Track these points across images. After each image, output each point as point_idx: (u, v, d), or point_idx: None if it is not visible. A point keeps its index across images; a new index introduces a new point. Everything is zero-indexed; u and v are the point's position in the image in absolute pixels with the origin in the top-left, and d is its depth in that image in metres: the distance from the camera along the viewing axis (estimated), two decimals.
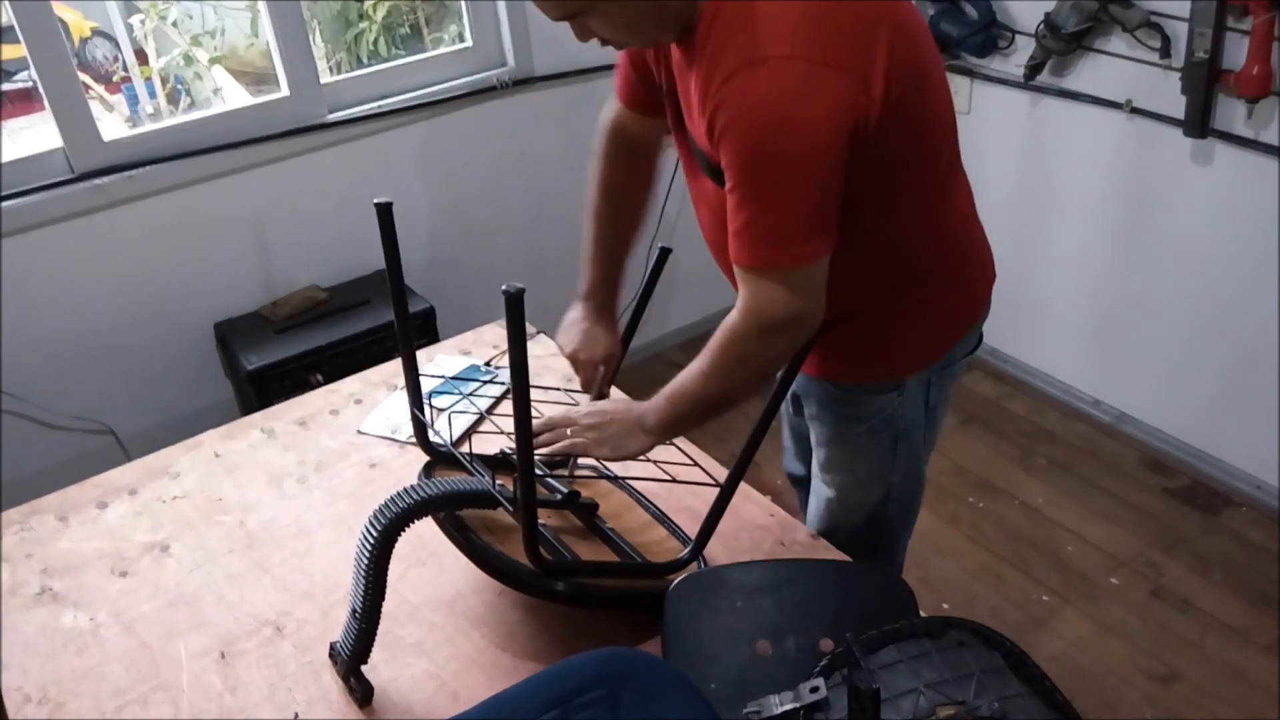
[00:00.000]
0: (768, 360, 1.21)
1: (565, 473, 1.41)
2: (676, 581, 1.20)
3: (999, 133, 2.61)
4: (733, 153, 1.09)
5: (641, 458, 1.35)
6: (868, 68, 1.07)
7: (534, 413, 1.07)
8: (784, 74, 1.04)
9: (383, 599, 1.15)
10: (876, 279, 1.29)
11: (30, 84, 2.19)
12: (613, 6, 1.12)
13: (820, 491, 1.54)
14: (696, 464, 1.40)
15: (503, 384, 1.70)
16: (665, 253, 1.52)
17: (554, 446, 1.26)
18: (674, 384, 1.25)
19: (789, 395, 1.59)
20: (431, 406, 1.42)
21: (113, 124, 2.64)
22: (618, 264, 1.48)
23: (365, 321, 2.34)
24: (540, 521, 1.21)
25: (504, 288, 0.95)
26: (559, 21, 1.15)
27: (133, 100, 2.82)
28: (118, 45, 2.95)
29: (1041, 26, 2.35)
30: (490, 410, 1.62)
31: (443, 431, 1.38)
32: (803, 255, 1.13)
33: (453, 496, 1.18)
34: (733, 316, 1.19)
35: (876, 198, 1.20)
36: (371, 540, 1.13)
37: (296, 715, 1.18)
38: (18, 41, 2.03)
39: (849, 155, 1.10)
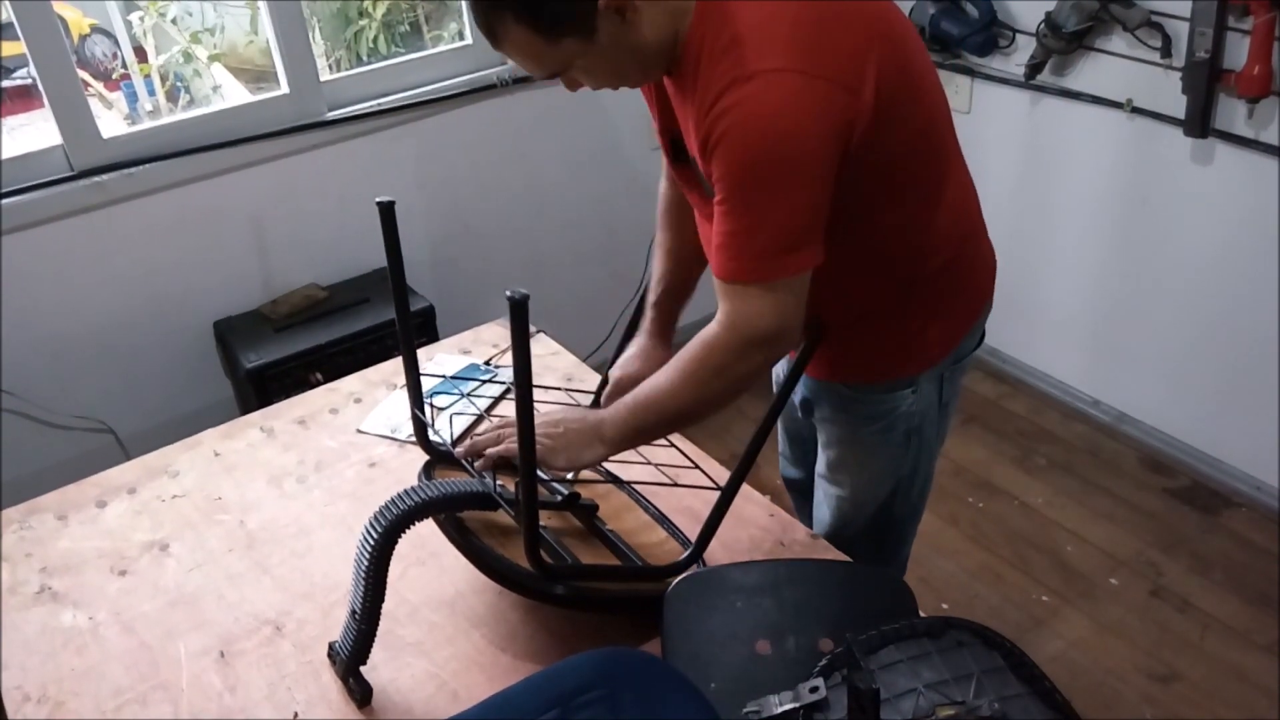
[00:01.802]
0: (743, 375, 1.18)
1: (566, 474, 1.41)
2: (676, 581, 1.20)
3: (999, 132, 2.61)
4: (724, 166, 1.09)
5: (642, 459, 1.35)
6: (857, 78, 1.08)
7: (535, 413, 1.07)
8: (775, 87, 1.05)
9: (382, 601, 1.15)
10: (888, 280, 1.30)
11: (29, 81, 2.19)
12: (591, 61, 1.13)
13: (828, 491, 1.54)
14: (697, 466, 1.40)
15: (503, 383, 1.70)
16: None
17: (496, 449, 1.25)
18: (637, 394, 1.23)
19: (794, 399, 1.58)
20: (431, 406, 1.41)
21: (112, 121, 2.64)
22: (682, 285, 1.49)
23: (365, 320, 2.34)
24: (540, 523, 1.21)
25: (508, 293, 0.95)
26: (542, 79, 1.16)
27: (132, 98, 2.81)
28: (117, 42, 2.95)
29: (1042, 26, 2.35)
30: (490, 410, 1.62)
31: (443, 431, 1.38)
32: (788, 266, 1.12)
33: (453, 498, 1.17)
34: (712, 330, 1.17)
35: (879, 201, 1.20)
36: (371, 542, 1.13)
37: (296, 715, 1.18)
38: (17, 38, 2.03)
39: (842, 163, 1.10)
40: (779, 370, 1.59)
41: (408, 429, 1.62)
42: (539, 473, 1.28)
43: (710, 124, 1.08)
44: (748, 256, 1.12)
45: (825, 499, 1.55)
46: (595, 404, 1.45)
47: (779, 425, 1.75)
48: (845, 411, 1.44)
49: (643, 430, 1.24)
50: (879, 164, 1.14)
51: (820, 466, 1.54)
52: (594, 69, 1.15)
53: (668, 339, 1.49)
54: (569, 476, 1.39)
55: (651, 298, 1.49)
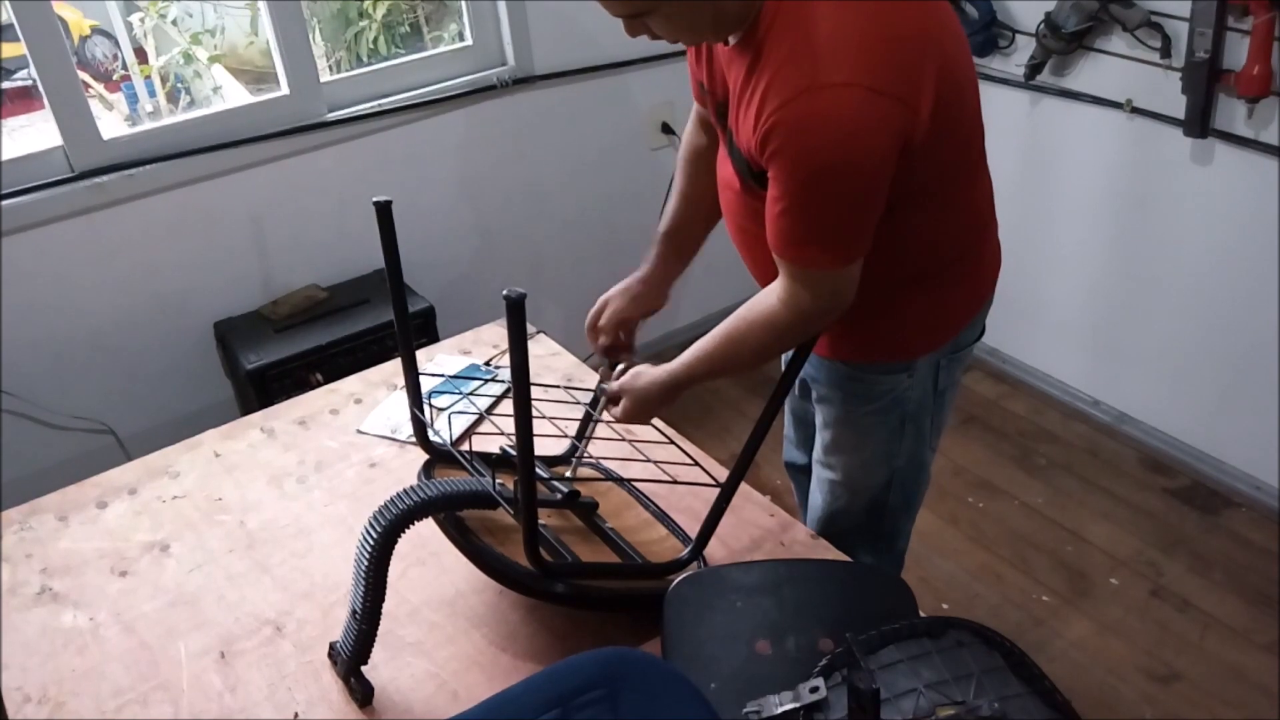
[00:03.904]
0: (796, 341, 1.30)
1: (566, 472, 1.41)
2: (676, 581, 1.20)
3: (999, 132, 2.58)
4: (786, 172, 1.13)
5: (642, 458, 1.35)
6: (917, 95, 1.11)
7: (534, 412, 1.07)
8: (843, 103, 1.08)
9: (383, 600, 1.15)
10: (901, 270, 1.32)
11: (30, 82, 2.19)
12: (675, 7, 1.14)
13: (823, 475, 1.55)
14: (697, 464, 1.40)
15: (503, 383, 1.70)
16: None
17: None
18: (702, 351, 1.31)
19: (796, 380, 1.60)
20: (431, 406, 1.42)
21: (112, 122, 2.64)
22: (689, 227, 1.53)
23: (365, 321, 2.34)
24: (540, 522, 1.21)
25: (505, 292, 0.95)
26: (618, 17, 1.17)
27: (132, 99, 2.81)
28: (117, 43, 2.95)
29: (1042, 26, 2.35)
30: (490, 410, 1.62)
31: (443, 431, 1.38)
32: (840, 259, 1.18)
33: (453, 497, 1.18)
34: (770, 303, 1.24)
35: (912, 201, 1.23)
36: (371, 541, 1.13)
37: (296, 715, 1.18)
38: (17, 40, 2.03)
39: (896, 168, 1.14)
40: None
41: (408, 429, 1.62)
42: (537, 471, 1.28)
43: (772, 127, 1.11)
44: (804, 246, 1.18)
45: (819, 484, 1.57)
46: (594, 404, 1.45)
47: (785, 408, 1.76)
48: (841, 390, 1.45)
49: (708, 379, 1.33)
50: (920, 172, 1.18)
51: (817, 451, 1.55)
52: (674, 18, 1.16)
53: (668, 274, 1.53)
54: (568, 475, 1.39)
55: (661, 227, 1.54)
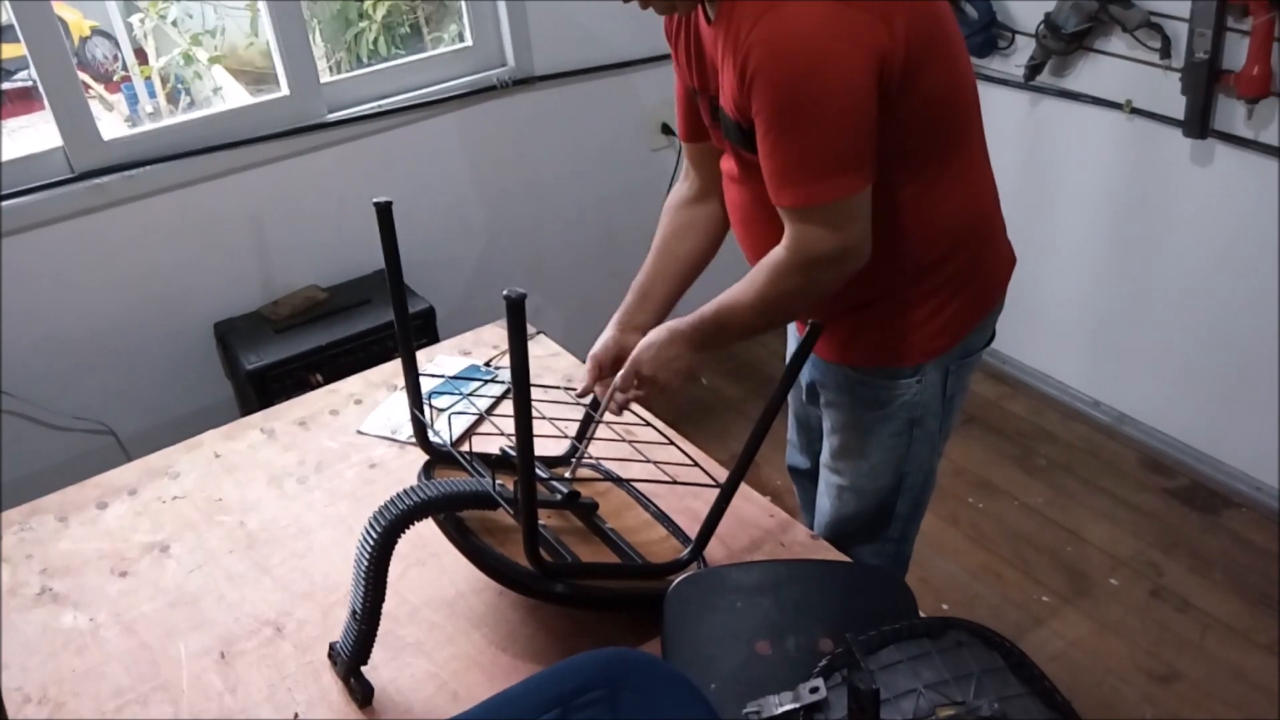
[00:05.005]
0: (814, 295, 1.24)
1: (566, 472, 1.41)
2: (676, 582, 1.20)
3: (999, 133, 2.59)
4: (764, 96, 1.12)
5: (642, 458, 1.35)
6: (890, 13, 1.10)
7: (534, 413, 1.07)
8: (809, 12, 1.07)
9: (383, 600, 1.15)
10: (899, 261, 1.31)
11: (30, 83, 2.19)
12: None
13: (830, 480, 1.54)
14: (697, 464, 1.40)
15: (503, 384, 1.70)
16: None
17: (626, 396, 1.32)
18: (715, 311, 1.28)
19: (801, 384, 1.59)
20: (431, 406, 1.42)
21: (112, 123, 2.64)
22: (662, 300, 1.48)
23: (365, 321, 2.34)
24: (540, 522, 1.21)
25: (505, 292, 0.95)
26: None
27: (132, 100, 2.81)
28: (117, 44, 2.95)
29: (1041, 26, 2.35)
30: (490, 410, 1.62)
31: (442, 431, 1.38)
32: (840, 189, 1.15)
33: (453, 498, 1.18)
34: (779, 254, 1.22)
35: (896, 170, 1.21)
36: (371, 542, 1.13)
37: (296, 715, 1.18)
38: (17, 40, 2.03)
39: (878, 101, 1.12)
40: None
41: (408, 430, 1.62)
42: (537, 471, 1.28)
43: (745, 55, 1.11)
44: (798, 182, 1.15)
45: (826, 489, 1.56)
46: (594, 405, 1.45)
47: (789, 410, 1.76)
48: (849, 395, 1.45)
49: (720, 343, 1.31)
50: (902, 119, 1.16)
51: (824, 455, 1.55)
52: None
53: (635, 329, 1.43)
54: (568, 475, 1.39)
55: (633, 285, 1.48)
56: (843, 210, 1.17)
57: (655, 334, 1.32)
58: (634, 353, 1.32)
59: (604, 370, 1.38)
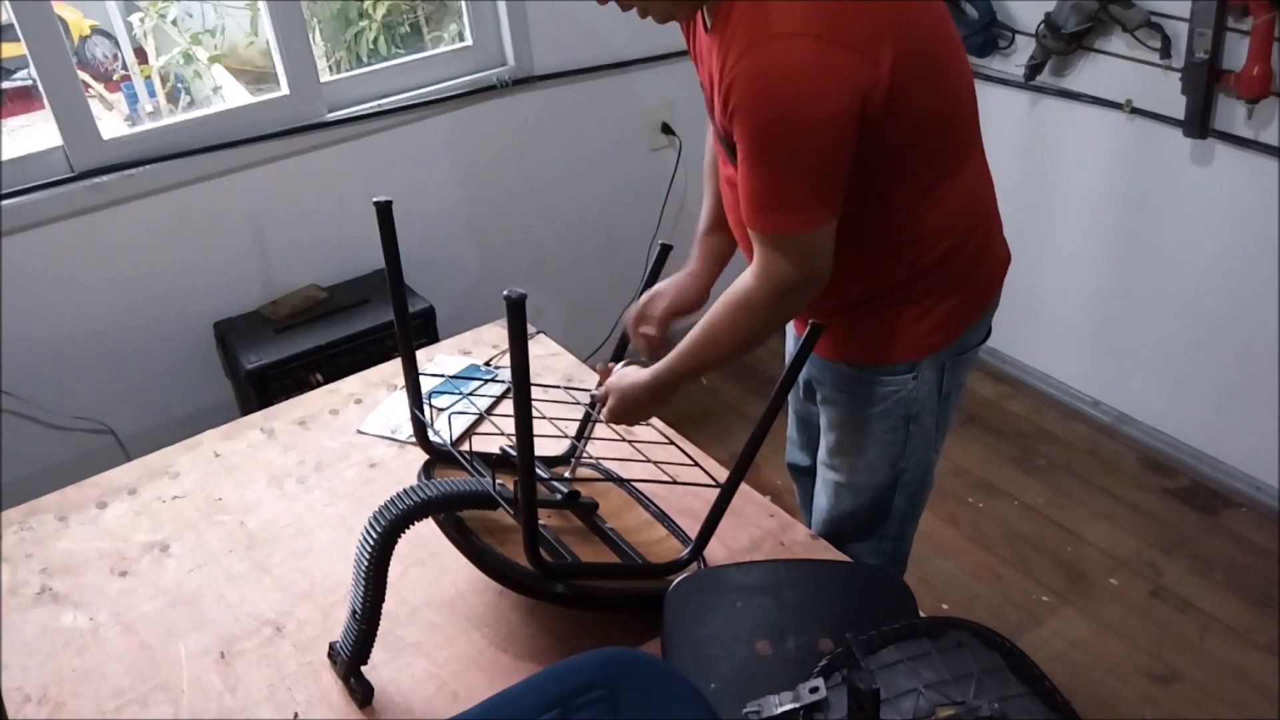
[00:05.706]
0: (778, 321, 1.30)
1: (566, 472, 1.41)
2: (676, 582, 1.20)
3: (999, 133, 2.60)
4: (744, 126, 1.14)
5: (642, 458, 1.35)
6: (875, 48, 1.11)
7: (534, 412, 1.07)
8: (792, 50, 1.09)
9: (383, 600, 1.15)
10: (894, 262, 1.32)
11: (30, 82, 2.19)
12: None
13: (827, 478, 1.55)
14: (697, 464, 1.40)
15: (503, 383, 1.70)
16: (666, 250, 1.53)
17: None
18: (685, 345, 1.32)
19: (799, 381, 1.60)
20: (431, 406, 1.42)
21: (112, 122, 2.64)
22: (723, 223, 1.53)
23: (365, 321, 2.34)
24: (540, 522, 1.21)
25: (505, 292, 0.95)
26: None
27: (132, 99, 2.81)
28: (117, 44, 2.95)
29: (1041, 26, 2.35)
30: (490, 410, 1.62)
31: (442, 431, 1.38)
32: (809, 222, 1.18)
33: (453, 498, 1.18)
34: (746, 281, 1.25)
35: (889, 178, 1.22)
36: (371, 542, 1.13)
37: (296, 715, 1.18)
38: (17, 40, 2.03)
39: (861, 129, 1.14)
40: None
41: (408, 430, 1.62)
42: (537, 471, 1.28)
43: (729, 85, 1.13)
44: (770, 209, 1.18)
45: (824, 487, 1.57)
46: (594, 405, 1.45)
47: (789, 408, 1.76)
48: (846, 391, 1.45)
49: (694, 374, 1.34)
50: (890, 140, 1.18)
51: (821, 453, 1.55)
52: None
53: (709, 272, 1.54)
54: (568, 475, 1.39)
55: (699, 228, 1.55)
56: (810, 242, 1.20)
57: (626, 382, 1.35)
58: (606, 391, 1.37)
59: (635, 322, 1.50)
